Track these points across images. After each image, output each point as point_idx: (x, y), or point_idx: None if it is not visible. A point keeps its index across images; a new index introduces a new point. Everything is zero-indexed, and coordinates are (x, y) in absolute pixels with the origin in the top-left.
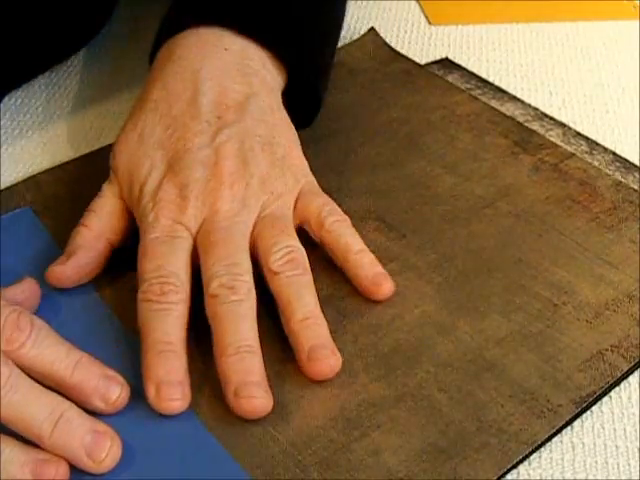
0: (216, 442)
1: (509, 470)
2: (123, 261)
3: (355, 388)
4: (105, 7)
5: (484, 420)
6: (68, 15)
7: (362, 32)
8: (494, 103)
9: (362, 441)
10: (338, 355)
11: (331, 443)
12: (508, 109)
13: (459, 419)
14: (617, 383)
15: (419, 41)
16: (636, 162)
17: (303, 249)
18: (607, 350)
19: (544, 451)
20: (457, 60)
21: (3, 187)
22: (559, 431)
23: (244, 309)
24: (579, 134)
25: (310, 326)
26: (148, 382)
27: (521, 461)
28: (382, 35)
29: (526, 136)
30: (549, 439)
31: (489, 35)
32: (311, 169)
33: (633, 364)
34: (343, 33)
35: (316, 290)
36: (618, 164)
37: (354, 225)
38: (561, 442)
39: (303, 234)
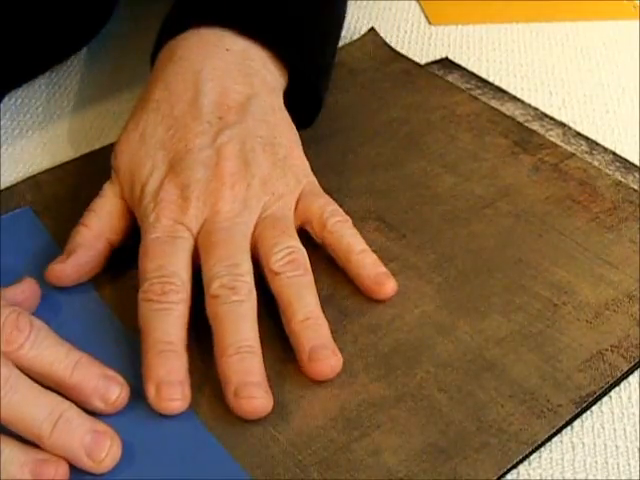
0: (216, 442)
1: (509, 470)
2: (123, 260)
3: (355, 388)
4: (105, 7)
5: (484, 420)
6: (68, 15)
7: (362, 32)
8: (494, 103)
9: (362, 441)
10: (339, 355)
11: (331, 443)
12: (508, 109)
13: (459, 419)
14: (617, 383)
15: (419, 41)
16: (636, 162)
17: (304, 250)
18: (607, 350)
19: (544, 451)
20: (457, 60)
21: (3, 187)
22: (559, 431)
23: (245, 309)
24: (579, 134)
25: (311, 326)
26: (148, 382)
27: (521, 461)
28: (382, 35)
29: (526, 136)
30: (549, 439)
31: (489, 35)
32: (311, 169)
33: (633, 364)
34: (343, 33)
35: (317, 290)
36: (618, 164)
37: (354, 225)
38: (561, 442)
39: (303, 234)
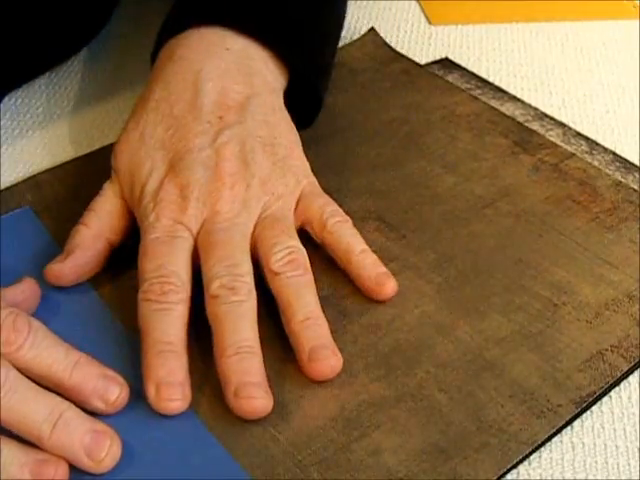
0: (216, 442)
1: (509, 470)
2: (123, 260)
3: (355, 388)
4: (105, 8)
5: (484, 420)
6: (68, 15)
7: (362, 32)
8: (494, 103)
9: (362, 441)
10: (339, 355)
11: (331, 443)
12: (508, 109)
13: (459, 419)
14: (617, 383)
15: (419, 41)
16: (636, 162)
17: (304, 250)
18: (607, 350)
19: (544, 451)
20: (457, 60)
21: (3, 187)
22: (559, 431)
23: (244, 310)
24: (579, 134)
25: (311, 326)
26: (148, 382)
27: (521, 461)
28: (382, 35)
29: (526, 136)
30: (549, 439)
31: (489, 35)
32: (311, 169)
33: (633, 364)
34: (343, 33)
35: (317, 290)
36: (618, 164)
37: (354, 225)
38: (561, 442)
39: (303, 235)
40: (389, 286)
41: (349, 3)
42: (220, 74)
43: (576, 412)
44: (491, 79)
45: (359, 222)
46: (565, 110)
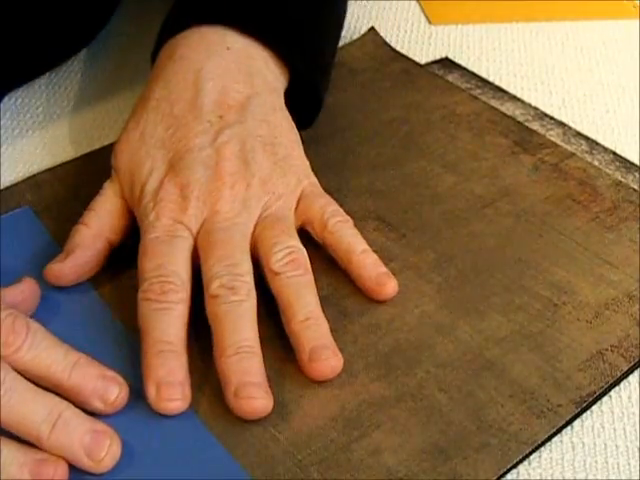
0: (216, 441)
1: (509, 470)
2: (123, 260)
3: (355, 388)
4: (106, 7)
5: (484, 420)
6: (69, 15)
7: (362, 32)
8: (494, 103)
9: (362, 441)
10: (339, 356)
11: (331, 443)
12: (508, 109)
13: (459, 419)
14: (617, 383)
15: (419, 41)
16: (636, 162)
17: (304, 249)
18: (607, 350)
19: (544, 451)
20: (457, 60)
21: (3, 187)
22: (559, 431)
23: (244, 309)
24: (579, 134)
25: (311, 327)
26: (148, 382)
27: (521, 461)
28: (382, 35)
29: (526, 136)
30: (549, 439)
31: (489, 35)
32: (311, 169)
33: (633, 364)
34: (343, 33)
35: (317, 290)
36: (618, 164)
37: (354, 225)
38: (561, 442)
39: (304, 234)
40: (390, 286)
41: (349, 3)
42: (220, 73)
43: (576, 412)
44: (491, 79)
45: (359, 222)
46: (565, 110)
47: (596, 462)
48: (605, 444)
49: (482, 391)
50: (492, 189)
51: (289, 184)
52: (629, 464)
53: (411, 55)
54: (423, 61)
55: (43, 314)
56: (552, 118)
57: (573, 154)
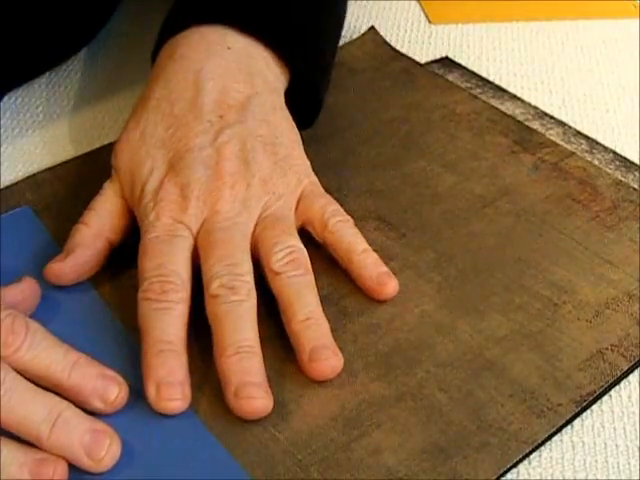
0: (216, 441)
1: (509, 469)
2: (123, 259)
3: (355, 388)
4: (106, 7)
5: (484, 419)
6: (68, 15)
7: (362, 31)
8: (494, 102)
9: (362, 440)
10: (340, 356)
11: (331, 442)
12: (508, 108)
13: (459, 418)
14: (617, 382)
15: (419, 40)
16: (636, 161)
17: (304, 249)
18: (607, 349)
19: (544, 450)
20: (457, 59)
21: (3, 186)
22: (559, 430)
23: (244, 309)
24: (579, 133)
25: (311, 326)
26: (148, 382)
27: (521, 460)
28: (382, 34)
29: (526, 135)
30: (549, 438)
31: (489, 34)
32: (311, 168)
33: (633, 363)
34: (343, 32)
35: (317, 290)
36: (618, 163)
37: (355, 225)
38: (561, 441)
39: (304, 234)
40: (390, 286)
41: (349, 2)
42: (221, 73)
43: (576, 411)
44: (491, 78)
45: (359, 221)
46: (565, 109)
47: (596, 461)
48: (605, 443)
49: (482, 391)
50: (492, 188)
51: (289, 184)
52: (629, 463)
53: (411, 54)
54: (423, 60)
55: (43, 314)
56: (552, 117)
57: (573, 153)
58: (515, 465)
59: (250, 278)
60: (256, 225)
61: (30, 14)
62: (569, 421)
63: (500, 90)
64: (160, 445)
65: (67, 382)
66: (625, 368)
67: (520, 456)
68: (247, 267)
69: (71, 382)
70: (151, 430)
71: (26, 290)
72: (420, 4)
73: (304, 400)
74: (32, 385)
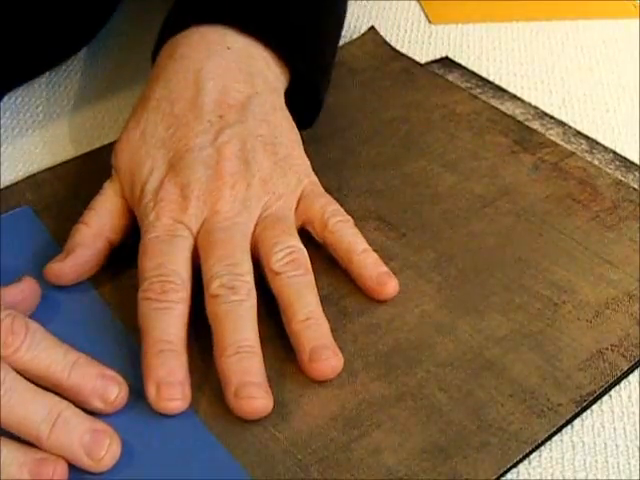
0: (216, 441)
1: (509, 469)
2: (123, 259)
3: (355, 387)
4: (105, 7)
5: (484, 419)
6: (69, 15)
7: (362, 31)
8: (494, 102)
9: (362, 440)
10: (340, 356)
11: (331, 442)
12: (508, 108)
13: (459, 418)
14: (617, 382)
15: (419, 40)
16: (636, 161)
17: (304, 249)
18: (607, 349)
19: (544, 450)
20: (457, 59)
21: (3, 186)
22: (559, 430)
23: (244, 309)
24: (579, 133)
25: (311, 326)
26: (148, 382)
27: (521, 460)
28: (382, 34)
29: (526, 135)
30: (549, 438)
31: (489, 34)
32: (311, 168)
33: (633, 363)
34: (343, 32)
35: (317, 290)
36: (618, 163)
37: (355, 224)
38: (561, 441)
39: (304, 234)
40: (390, 286)
41: (349, 2)
42: (221, 73)
43: (576, 411)
44: (491, 78)
45: (359, 221)
46: (565, 109)
47: (596, 461)
48: (605, 443)
49: (482, 390)
50: (492, 188)
51: (289, 184)
52: (629, 463)
53: (411, 54)
54: (423, 60)
55: (43, 314)
56: (552, 117)
57: (573, 153)
58: (515, 465)
59: (250, 278)
60: (256, 225)
61: (30, 14)
62: (569, 421)
63: (500, 90)
64: (160, 445)
65: (67, 382)
66: (625, 368)
67: (520, 456)
68: (247, 267)
69: (71, 382)
70: (151, 430)
71: (26, 290)
72: (420, 4)
73: (304, 400)
74: (32, 385)
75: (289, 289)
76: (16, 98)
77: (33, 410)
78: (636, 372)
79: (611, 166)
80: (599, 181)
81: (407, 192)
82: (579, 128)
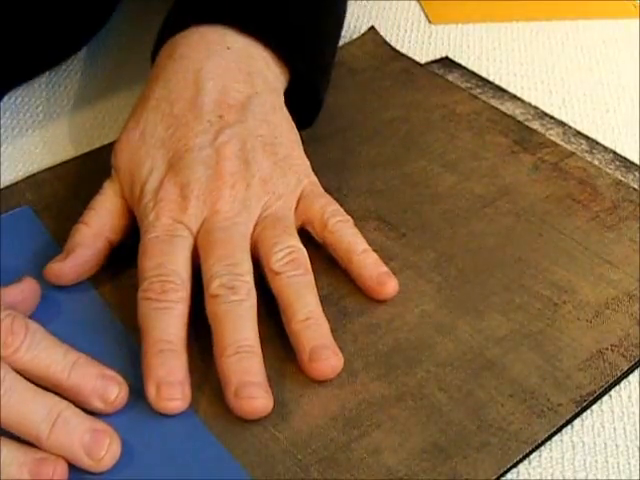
0: (216, 441)
1: (509, 469)
2: (123, 259)
3: (355, 387)
4: (105, 6)
5: (484, 419)
6: (68, 14)
7: (362, 31)
8: (494, 102)
9: (362, 440)
10: (340, 355)
11: (331, 442)
12: (508, 108)
13: (459, 418)
14: (617, 382)
15: (419, 40)
16: (636, 161)
17: (304, 249)
18: (607, 349)
19: (544, 450)
20: (457, 59)
21: (3, 186)
22: (559, 430)
23: (244, 309)
24: (579, 133)
25: (311, 326)
26: (148, 382)
27: (521, 460)
28: (382, 34)
29: (526, 135)
30: (549, 438)
31: (489, 34)
32: (311, 168)
33: (633, 363)
34: (343, 32)
35: (317, 290)
36: (618, 163)
37: (355, 224)
38: (561, 441)
39: (304, 234)
40: (390, 286)
41: (349, 2)
42: (221, 73)
43: (576, 411)
44: (491, 78)
45: (359, 221)
46: (565, 109)
47: (596, 461)
48: (605, 443)
49: (482, 390)
50: (492, 188)
51: (289, 184)
52: (629, 463)
53: (411, 54)
54: (423, 60)
55: (43, 314)
56: (552, 117)
57: (573, 153)
58: (515, 465)
59: (250, 278)
60: (256, 225)
61: (30, 14)
62: (569, 421)
63: (500, 90)
64: (160, 445)
65: (67, 382)
66: (625, 368)
67: (520, 456)
68: (247, 267)
69: (71, 382)
70: (151, 430)
71: (26, 290)
72: (420, 4)
73: (304, 400)
74: (32, 385)
75: (289, 289)
76: (16, 98)
77: (33, 410)
78: (636, 372)
79: (611, 166)
80: (599, 181)
81: (407, 192)
82: (579, 128)
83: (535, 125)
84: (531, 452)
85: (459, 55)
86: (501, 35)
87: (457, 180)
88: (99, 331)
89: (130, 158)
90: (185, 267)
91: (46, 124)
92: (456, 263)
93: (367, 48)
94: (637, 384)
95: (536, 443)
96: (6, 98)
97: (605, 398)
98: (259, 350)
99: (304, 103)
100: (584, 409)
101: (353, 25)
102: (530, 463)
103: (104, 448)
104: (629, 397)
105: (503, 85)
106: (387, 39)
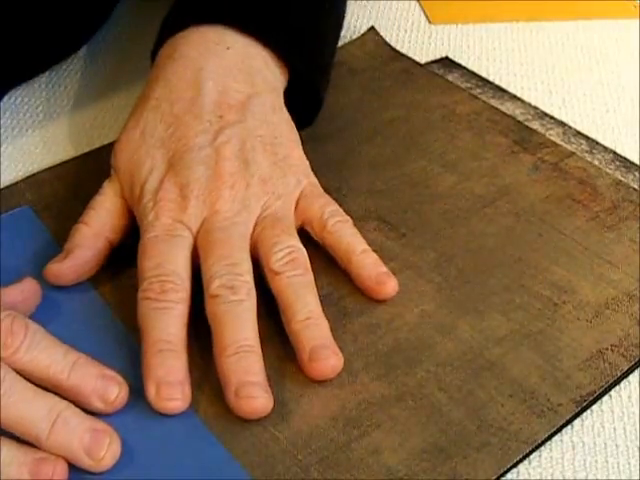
0: (216, 441)
1: (509, 469)
2: (122, 259)
3: (355, 387)
4: (105, 6)
5: (484, 419)
6: (68, 14)
7: (362, 31)
8: (494, 102)
9: (362, 440)
10: (340, 355)
11: (331, 442)
12: (508, 108)
13: (459, 418)
14: (617, 382)
15: (419, 40)
16: (636, 161)
17: (304, 249)
18: (607, 349)
19: (544, 450)
20: (457, 59)
21: (3, 186)
22: (559, 430)
23: (244, 309)
24: (579, 133)
25: (311, 326)
26: (148, 382)
27: (521, 460)
28: (382, 34)
29: (526, 135)
30: (549, 438)
31: (489, 34)
32: (311, 169)
33: (633, 363)
34: (343, 32)
35: (317, 290)
36: (618, 163)
37: (354, 225)
38: (561, 441)
39: (304, 234)
40: (390, 285)
41: (349, 2)
42: (221, 73)
43: (576, 411)
44: (491, 78)
45: (359, 221)
46: (565, 109)
47: (596, 461)
48: (605, 443)
49: (482, 390)
50: (492, 188)
51: (289, 184)
52: (629, 463)
53: (411, 54)
54: (423, 60)
55: (43, 314)
56: (552, 117)
57: (573, 153)
58: (515, 465)
59: (250, 278)
60: (255, 225)
61: (30, 13)
62: (569, 421)
63: (500, 90)
64: (160, 445)
65: (67, 382)
66: (625, 368)
67: (520, 456)
68: (246, 267)
69: (71, 382)
70: (151, 430)
71: (26, 290)
72: (420, 4)
73: (304, 400)
74: (32, 385)
75: (289, 289)
76: (16, 98)
77: (33, 410)
78: (636, 372)
79: (611, 166)
80: (599, 181)
81: (407, 192)
82: (579, 128)
83: (535, 125)
84: (531, 452)
85: (459, 55)
86: (501, 35)
87: (457, 180)
88: (99, 331)
89: (130, 158)
90: (185, 267)
91: (46, 124)
92: (456, 263)
93: (367, 48)
94: (637, 384)
95: (536, 443)
96: (6, 98)
97: (605, 398)
98: (259, 350)
99: (304, 103)
100: (584, 409)
101: (353, 25)
102: (530, 463)
103: (104, 448)
104: (629, 397)
105: (503, 85)
106: (387, 39)
